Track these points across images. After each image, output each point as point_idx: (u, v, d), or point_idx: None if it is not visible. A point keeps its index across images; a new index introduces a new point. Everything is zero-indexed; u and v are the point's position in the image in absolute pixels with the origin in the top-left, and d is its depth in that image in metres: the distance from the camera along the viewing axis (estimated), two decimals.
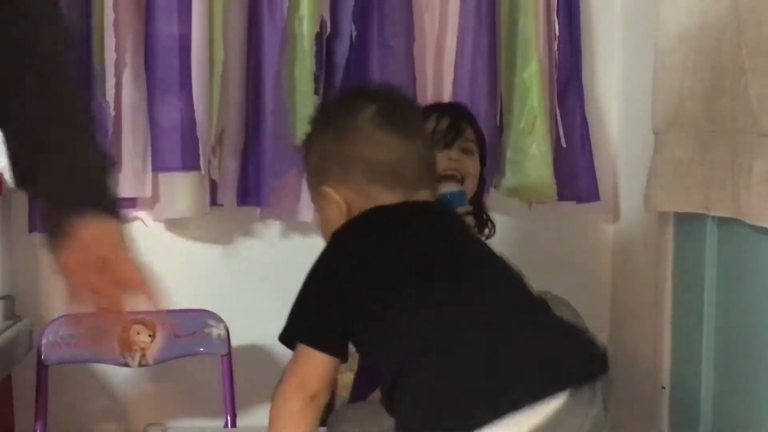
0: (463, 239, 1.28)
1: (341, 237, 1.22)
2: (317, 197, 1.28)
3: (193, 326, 2.04)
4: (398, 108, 1.27)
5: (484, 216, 1.81)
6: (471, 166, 1.76)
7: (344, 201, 1.23)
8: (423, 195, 1.24)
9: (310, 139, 1.30)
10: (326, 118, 1.30)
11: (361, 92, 1.32)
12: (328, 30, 2.10)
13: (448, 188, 1.67)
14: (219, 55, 2.04)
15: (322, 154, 1.26)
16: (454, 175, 1.72)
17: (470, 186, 1.75)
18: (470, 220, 1.72)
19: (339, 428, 1.40)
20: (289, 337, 1.20)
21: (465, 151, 1.75)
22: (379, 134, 1.22)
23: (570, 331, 1.19)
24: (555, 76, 2.17)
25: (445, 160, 1.71)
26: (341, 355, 1.19)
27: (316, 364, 1.17)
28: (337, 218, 1.23)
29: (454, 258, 1.20)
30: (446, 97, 2.12)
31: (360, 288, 1.17)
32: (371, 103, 1.24)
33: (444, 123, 1.75)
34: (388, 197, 1.21)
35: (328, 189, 1.24)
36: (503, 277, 1.21)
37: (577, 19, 2.20)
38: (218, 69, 2.04)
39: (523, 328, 1.13)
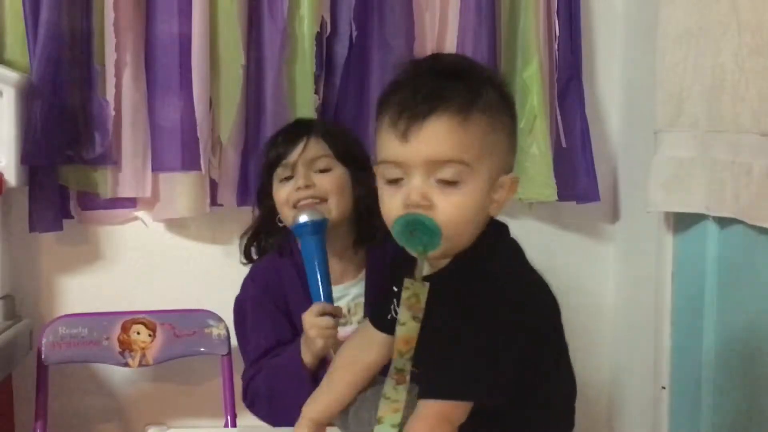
0: None
1: (523, 288, 1.09)
2: (481, 179, 1.07)
3: (193, 326, 2.04)
4: None
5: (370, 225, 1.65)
6: (328, 183, 1.64)
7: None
8: None
9: (472, 102, 1.07)
10: (506, 99, 1.12)
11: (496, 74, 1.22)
12: (329, 30, 2.10)
13: (306, 215, 1.58)
14: (236, 57, 2.06)
15: (509, 140, 1.12)
16: (310, 203, 1.62)
17: (337, 203, 1.64)
18: (346, 227, 1.67)
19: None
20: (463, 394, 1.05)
21: (317, 171, 1.65)
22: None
23: None
24: (555, 76, 2.17)
25: (292, 192, 1.63)
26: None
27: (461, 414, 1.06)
28: (498, 207, 1.11)
29: None
30: None
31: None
32: None
33: (282, 148, 1.67)
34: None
35: (509, 180, 1.11)
36: None
37: (577, 19, 2.20)
38: (236, 71, 2.06)
39: None
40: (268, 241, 1.74)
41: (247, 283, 1.72)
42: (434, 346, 1.07)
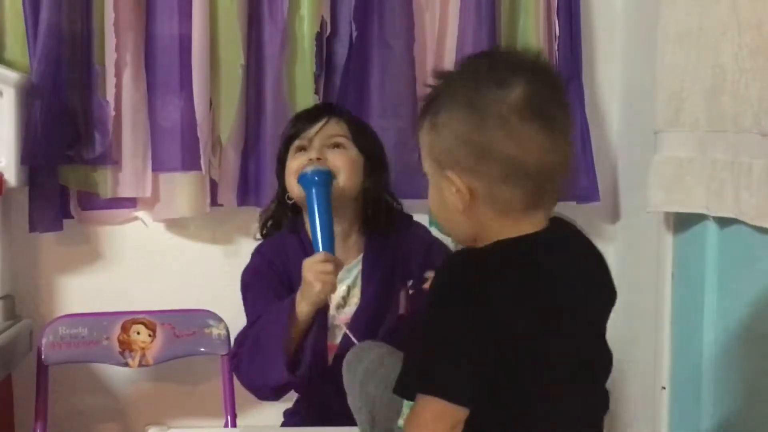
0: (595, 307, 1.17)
1: (487, 287, 1.04)
2: (437, 177, 1.13)
3: (193, 326, 2.04)
4: (549, 95, 1.10)
5: (384, 210, 1.72)
6: (339, 159, 1.66)
7: (469, 191, 1.09)
8: (550, 201, 1.12)
9: (439, 108, 1.11)
10: (466, 94, 1.09)
11: (508, 62, 1.12)
12: (328, 30, 2.11)
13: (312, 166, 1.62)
14: (236, 57, 2.06)
15: (455, 135, 1.09)
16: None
17: (345, 179, 1.66)
18: (352, 210, 1.69)
19: (357, 377, 1.33)
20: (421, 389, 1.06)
21: (331, 146, 1.68)
22: (525, 130, 1.06)
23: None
24: None
25: (305, 161, 1.65)
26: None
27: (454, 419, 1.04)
28: (456, 206, 1.10)
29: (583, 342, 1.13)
30: None
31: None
32: (519, 83, 1.07)
33: (303, 124, 1.71)
34: (518, 201, 1.08)
35: (453, 176, 1.09)
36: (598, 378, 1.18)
37: (577, 19, 2.20)
38: (236, 71, 2.06)
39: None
40: (279, 217, 1.76)
41: (254, 257, 1.74)
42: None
